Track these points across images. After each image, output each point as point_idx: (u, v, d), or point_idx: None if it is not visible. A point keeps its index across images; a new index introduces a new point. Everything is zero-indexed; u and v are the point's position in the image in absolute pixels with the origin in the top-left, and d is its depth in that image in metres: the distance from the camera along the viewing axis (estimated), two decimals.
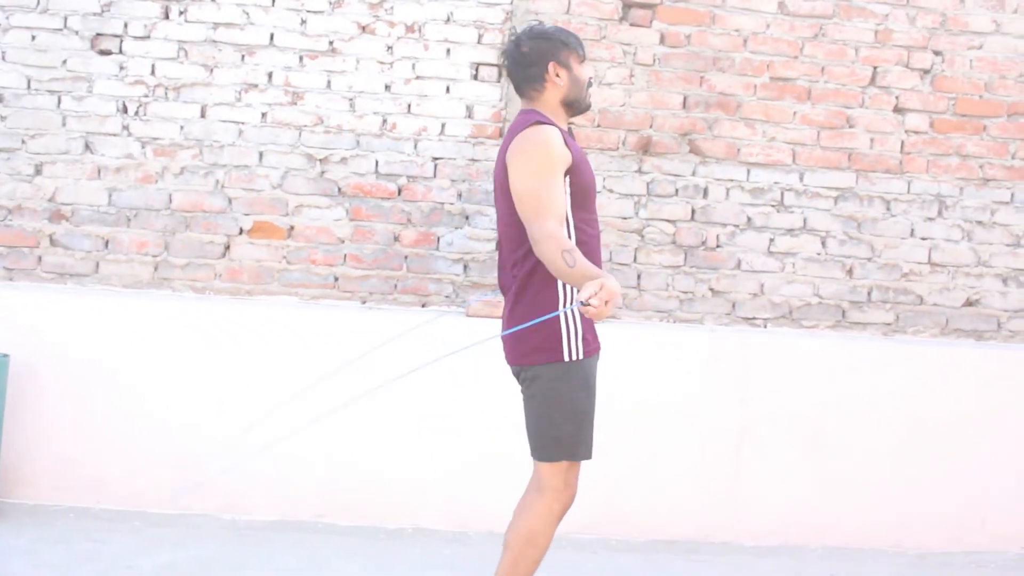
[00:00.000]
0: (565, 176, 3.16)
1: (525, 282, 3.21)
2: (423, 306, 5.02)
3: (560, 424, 3.15)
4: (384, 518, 4.78)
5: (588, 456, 3.22)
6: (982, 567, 4.82)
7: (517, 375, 3.28)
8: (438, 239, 5.02)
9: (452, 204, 5.01)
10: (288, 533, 4.60)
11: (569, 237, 3.15)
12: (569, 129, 3.37)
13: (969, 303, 5.28)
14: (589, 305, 2.82)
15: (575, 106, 3.34)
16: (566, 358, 3.14)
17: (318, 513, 4.77)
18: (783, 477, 4.90)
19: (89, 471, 4.70)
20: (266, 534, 4.57)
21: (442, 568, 4.28)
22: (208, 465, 4.72)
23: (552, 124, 3.21)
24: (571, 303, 3.15)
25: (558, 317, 3.14)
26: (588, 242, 3.23)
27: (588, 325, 3.21)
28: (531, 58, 3.28)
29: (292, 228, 4.98)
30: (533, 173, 3.08)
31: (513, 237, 3.23)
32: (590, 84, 3.37)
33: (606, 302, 2.83)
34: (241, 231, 4.97)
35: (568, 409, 3.16)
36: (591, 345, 3.21)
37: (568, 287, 3.16)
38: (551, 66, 3.27)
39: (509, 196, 3.18)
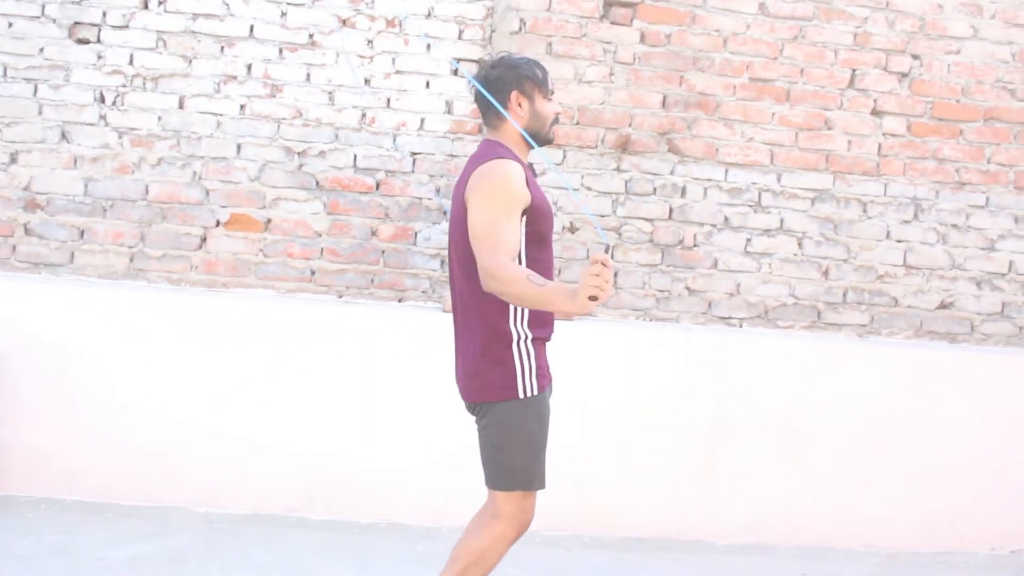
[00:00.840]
0: (523, 216, 3.11)
1: (481, 325, 3.15)
2: (400, 301, 5.01)
3: (514, 454, 3.13)
4: (358, 513, 4.77)
5: (542, 486, 3.21)
6: (952, 567, 4.86)
7: (470, 409, 3.25)
8: (415, 234, 5.01)
9: (430, 199, 5.01)
10: (261, 527, 4.58)
11: None
12: (531, 165, 3.33)
13: (943, 306, 5.32)
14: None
15: (536, 139, 3.27)
16: (521, 395, 3.12)
17: (291, 507, 4.75)
18: (757, 476, 4.92)
19: (61, 462, 4.67)
20: (239, 527, 4.55)
21: (415, 563, 4.27)
22: (182, 457, 4.71)
23: (515, 159, 3.16)
24: (522, 324, 3.12)
25: (512, 352, 3.10)
26: (544, 278, 3.16)
27: (542, 358, 3.19)
28: (496, 85, 3.24)
29: (269, 221, 4.96)
30: (490, 209, 3.02)
31: (466, 264, 3.16)
32: (555, 120, 3.32)
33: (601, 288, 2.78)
34: (218, 223, 4.94)
35: (522, 441, 3.14)
36: (543, 379, 3.18)
37: (519, 312, 3.13)
38: (514, 95, 3.23)
39: (465, 224, 3.11)
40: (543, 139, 3.31)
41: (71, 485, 4.68)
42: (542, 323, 3.19)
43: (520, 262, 3.12)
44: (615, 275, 5.01)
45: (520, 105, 3.24)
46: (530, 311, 3.13)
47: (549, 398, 3.25)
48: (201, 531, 4.46)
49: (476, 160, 3.17)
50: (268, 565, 4.13)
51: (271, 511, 4.74)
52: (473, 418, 3.26)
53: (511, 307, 3.11)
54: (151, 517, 4.56)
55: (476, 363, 3.15)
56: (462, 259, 3.17)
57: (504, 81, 3.25)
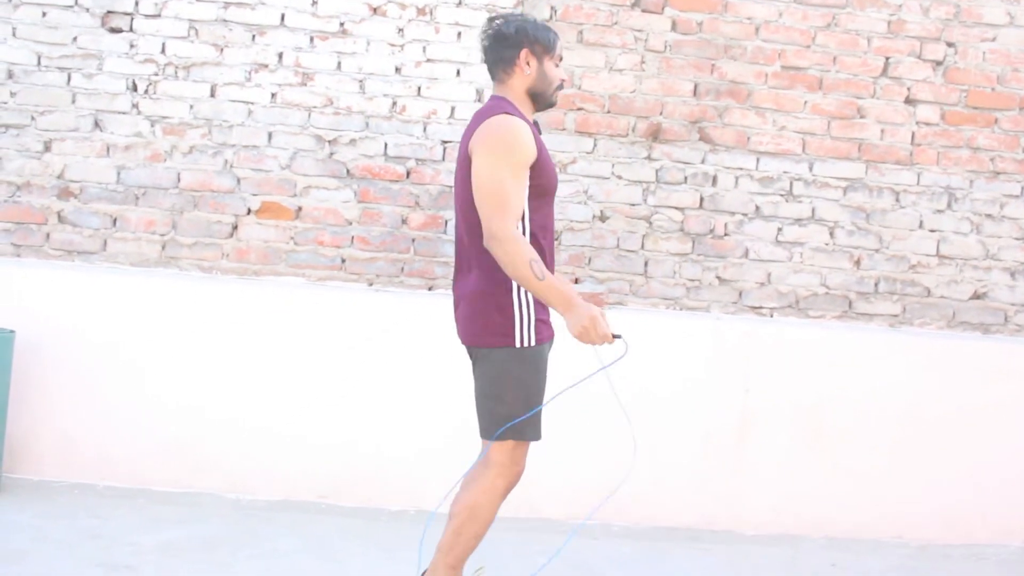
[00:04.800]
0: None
1: (484, 269, 3.21)
2: (429, 289, 5.02)
3: (508, 404, 3.18)
4: (386, 500, 4.80)
5: (536, 437, 3.26)
6: (982, 560, 4.83)
7: (469, 352, 3.31)
8: (446, 222, 5.01)
9: None
10: (290, 513, 4.62)
11: (524, 233, 3.18)
12: (536, 123, 3.36)
13: (976, 296, 5.27)
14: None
15: (539, 100, 3.34)
16: (517, 344, 3.17)
17: (321, 494, 4.79)
18: (785, 467, 4.91)
19: (93, 448, 4.73)
20: (269, 514, 4.58)
21: None
22: (213, 444, 4.74)
23: (520, 116, 3.21)
24: (524, 288, 3.16)
25: (511, 300, 3.17)
26: (546, 231, 3.27)
27: (542, 311, 3.23)
28: (507, 41, 3.29)
29: (300, 209, 4.98)
30: (497, 166, 3.08)
31: (468, 212, 3.23)
32: (560, 86, 3.36)
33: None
34: (249, 211, 4.97)
35: (516, 390, 3.19)
36: (544, 333, 3.23)
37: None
38: (523, 53, 3.27)
39: (469, 175, 3.18)
40: (547, 102, 3.36)
41: (103, 471, 4.73)
42: None
43: (524, 220, 3.18)
44: (645, 264, 5.01)
45: (528, 64, 3.28)
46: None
47: (548, 351, 3.29)
48: (231, 517, 4.50)
49: (482, 114, 3.22)
50: (297, 551, 4.16)
51: (301, 498, 4.78)
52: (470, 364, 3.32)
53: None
54: (182, 503, 4.60)
55: (475, 307, 3.22)
56: (465, 208, 3.24)
57: (515, 38, 3.28)
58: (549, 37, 3.31)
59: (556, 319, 3.24)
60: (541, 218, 3.25)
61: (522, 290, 3.17)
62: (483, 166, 3.09)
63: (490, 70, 3.36)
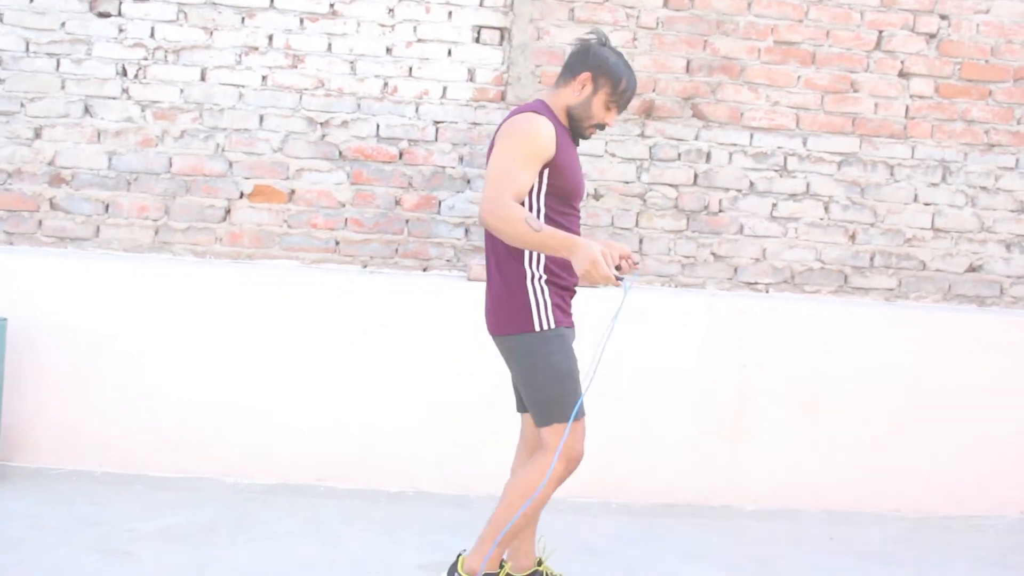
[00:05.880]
0: (544, 170, 3.21)
1: (501, 262, 3.30)
2: (424, 270, 5.01)
3: (543, 387, 3.24)
4: (385, 481, 4.79)
5: (581, 415, 3.27)
6: (981, 531, 4.84)
7: (496, 344, 3.37)
8: (439, 203, 5.00)
9: (453, 168, 4.99)
10: (289, 496, 4.61)
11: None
12: (574, 136, 3.38)
13: (972, 269, 5.26)
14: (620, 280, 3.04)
15: (573, 123, 3.36)
16: (537, 328, 3.23)
17: (319, 476, 4.78)
18: (783, 441, 4.91)
19: (90, 435, 4.72)
20: (267, 497, 4.58)
21: (443, 531, 4.29)
22: (210, 428, 4.74)
23: (552, 119, 3.24)
24: (537, 266, 3.23)
25: (526, 289, 3.23)
26: (564, 228, 3.27)
27: (558, 298, 3.28)
28: (583, 56, 3.33)
29: (293, 192, 4.96)
30: (508, 155, 3.13)
31: None
32: (600, 126, 3.38)
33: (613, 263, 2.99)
34: (242, 195, 4.95)
35: (548, 373, 3.24)
36: (562, 320, 3.29)
37: (535, 266, 3.24)
38: (586, 75, 3.30)
39: None
40: (578, 130, 3.39)
41: (101, 457, 4.72)
42: (561, 269, 3.27)
43: (539, 210, 3.25)
44: (639, 241, 5.00)
45: (584, 86, 3.32)
46: (547, 259, 3.24)
47: (571, 338, 3.34)
48: (230, 501, 4.50)
49: (516, 111, 3.29)
50: (296, 534, 4.16)
51: (299, 481, 4.77)
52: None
53: (526, 251, 3.22)
54: (180, 488, 4.60)
55: (495, 298, 3.31)
56: None
57: (591, 60, 3.31)
58: (620, 80, 3.31)
59: (576, 312, 3.35)
60: (559, 216, 3.29)
61: (535, 279, 3.24)
62: (496, 156, 3.16)
63: (560, 72, 3.41)
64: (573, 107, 3.33)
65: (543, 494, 3.26)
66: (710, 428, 4.90)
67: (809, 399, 4.93)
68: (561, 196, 3.28)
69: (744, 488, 4.92)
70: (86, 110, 4.88)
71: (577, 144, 3.43)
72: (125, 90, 4.89)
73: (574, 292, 3.38)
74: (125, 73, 4.89)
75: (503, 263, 3.27)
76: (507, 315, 3.26)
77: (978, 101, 5.20)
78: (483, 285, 4.59)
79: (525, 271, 3.24)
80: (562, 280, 3.29)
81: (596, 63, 3.30)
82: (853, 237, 5.19)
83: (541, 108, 3.27)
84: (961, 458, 5.00)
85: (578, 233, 3.38)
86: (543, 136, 3.17)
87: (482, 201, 3.09)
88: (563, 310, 3.31)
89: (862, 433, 4.94)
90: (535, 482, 3.24)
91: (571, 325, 3.36)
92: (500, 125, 3.29)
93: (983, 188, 5.24)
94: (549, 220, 3.24)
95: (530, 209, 3.23)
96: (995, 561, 4.42)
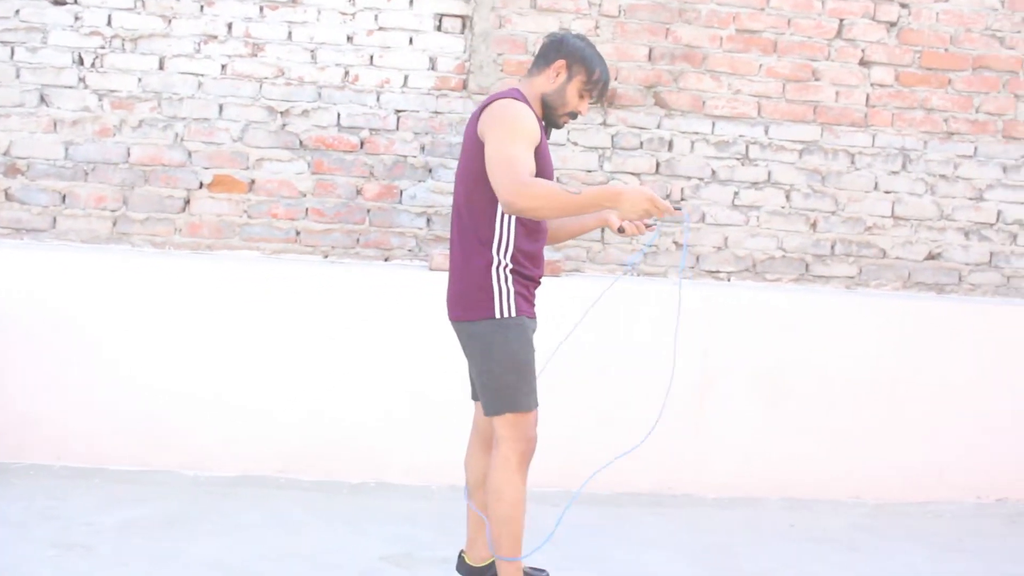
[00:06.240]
0: None
1: (468, 249, 3.30)
2: (386, 260, 4.99)
3: (499, 376, 3.24)
4: (348, 473, 4.78)
5: (531, 407, 3.28)
6: (939, 517, 4.90)
7: (456, 332, 3.37)
8: (401, 192, 4.98)
9: (415, 157, 4.97)
10: (251, 488, 4.59)
11: (511, 226, 3.24)
12: (545, 126, 3.38)
13: (931, 256, 5.30)
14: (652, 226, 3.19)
15: (547, 111, 3.36)
16: (497, 315, 3.23)
17: (281, 469, 4.76)
18: (745, 430, 4.94)
19: (50, 428, 4.67)
20: (229, 490, 4.56)
21: (405, 522, 4.29)
22: (171, 421, 4.70)
23: (530, 108, 3.25)
24: (504, 254, 3.24)
25: (490, 276, 3.23)
26: (528, 235, 3.31)
27: (522, 287, 3.29)
28: (557, 46, 3.34)
29: (253, 182, 4.92)
30: (506, 140, 3.11)
31: (462, 209, 3.32)
32: (573, 114, 3.38)
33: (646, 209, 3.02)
34: (201, 185, 4.90)
35: (505, 362, 3.24)
36: (524, 309, 3.29)
37: (502, 255, 3.24)
38: (560, 62, 3.31)
39: (470, 162, 3.25)
40: (552, 119, 3.40)
41: (60, 451, 4.68)
42: (528, 260, 3.30)
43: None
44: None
45: (557, 74, 3.33)
46: (515, 248, 3.25)
47: (532, 329, 3.35)
48: (191, 494, 4.47)
49: (493, 97, 3.27)
50: (258, 526, 4.15)
51: (261, 473, 4.75)
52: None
53: (495, 238, 3.24)
54: (141, 481, 4.57)
55: (460, 284, 3.30)
56: (467, 187, 3.28)
57: (565, 48, 3.33)
58: (594, 68, 3.32)
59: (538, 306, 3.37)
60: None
61: (500, 267, 3.23)
62: (491, 144, 3.13)
63: (533, 60, 3.41)
64: (548, 95, 3.33)
65: (511, 490, 3.25)
66: (672, 417, 4.88)
67: (770, 387, 4.96)
68: None
69: (705, 477, 4.95)
70: (42, 99, 4.82)
71: (549, 135, 3.43)
72: (82, 79, 4.83)
73: (539, 283, 3.39)
74: (82, 62, 4.82)
75: (470, 250, 3.27)
76: (469, 301, 3.26)
77: (938, 89, 5.23)
78: (446, 275, 4.62)
79: (492, 259, 3.24)
80: (527, 270, 3.30)
81: (570, 51, 3.31)
82: (814, 225, 5.21)
83: (518, 95, 3.27)
84: (920, 445, 5.05)
85: (546, 228, 3.42)
86: (530, 119, 3.18)
87: (500, 190, 3.04)
88: (526, 299, 3.31)
89: (823, 421, 4.98)
90: (503, 482, 3.25)
91: (533, 316, 3.37)
92: (478, 112, 3.27)
93: (942, 176, 5.27)
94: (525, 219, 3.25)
95: None
96: (952, 547, 4.47)
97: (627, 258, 3.10)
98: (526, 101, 3.27)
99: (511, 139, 3.10)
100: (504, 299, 3.23)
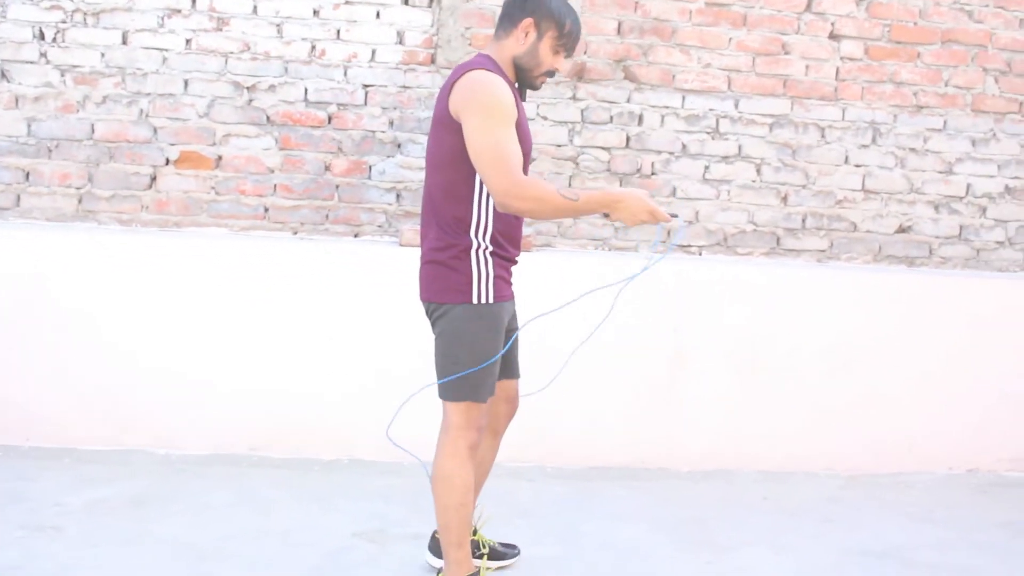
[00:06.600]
0: None
1: (445, 231, 3.17)
2: (355, 236, 4.95)
3: (464, 364, 3.14)
4: (319, 450, 4.75)
5: (490, 396, 3.22)
6: (909, 487, 4.92)
7: (428, 312, 3.25)
8: (370, 168, 4.93)
9: (384, 132, 4.92)
10: (222, 467, 4.56)
11: (489, 203, 3.13)
12: (517, 86, 3.24)
13: (902, 230, 5.32)
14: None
15: (521, 74, 3.22)
16: (474, 300, 3.13)
17: (252, 446, 4.73)
18: (717, 404, 4.94)
19: (17, 409, 4.61)
20: (200, 468, 4.52)
21: (377, 499, 4.27)
22: (141, 400, 4.66)
23: (502, 75, 3.11)
24: (484, 236, 3.15)
25: (470, 259, 3.13)
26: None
27: (502, 269, 3.20)
28: (520, 3, 3.16)
29: (220, 158, 4.86)
30: (489, 124, 2.97)
31: (435, 188, 3.18)
32: (550, 74, 3.24)
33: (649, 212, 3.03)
34: (167, 161, 4.84)
35: (472, 349, 3.14)
36: (503, 291, 3.19)
37: (481, 236, 3.14)
38: (527, 21, 3.14)
39: (443, 139, 3.10)
40: (528, 81, 3.25)
41: (28, 431, 4.63)
42: (507, 241, 3.21)
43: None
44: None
45: (526, 34, 3.16)
46: (494, 229, 3.15)
47: (508, 312, 3.25)
48: (161, 473, 4.43)
49: (460, 69, 3.10)
50: (229, 505, 4.11)
51: (232, 451, 4.72)
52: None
53: (474, 220, 3.13)
54: (111, 461, 4.52)
55: (434, 264, 3.17)
56: (439, 165, 3.15)
57: (527, 4, 3.16)
58: (564, 21, 3.16)
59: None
60: None
61: (481, 250, 3.13)
62: (474, 130, 2.98)
63: (498, 22, 3.23)
64: (519, 57, 3.17)
65: (460, 478, 3.19)
66: (644, 392, 4.91)
67: (742, 361, 4.96)
68: None
69: (678, 450, 4.95)
70: (3, 75, 4.73)
71: (524, 97, 3.31)
72: (43, 54, 4.75)
73: (516, 262, 3.30)
74: (43, 36, 4.74)
75: (447, 230, 3.14)
76: (445, 284, 3.14)
77: (907, 63, 5.23)
78: (416, 251, 4.58)
79: (471, 242, 3.13)
80: (506, 252, 3.21)
81: (535, 6, 3.14)
82: (785, 199, 5.21)
83: (489, 64, 3.10)
84: (891, 417, 5.07)
85: None
86: (506, 94, 3.01)
87: (493, 189, 2.94)
88: (505, 280, 3.21)
89: (795, 394, 4.99)
90: (451, 468, 3.18)
91: (511, 296, 3.28)
92: (448, 86, 3.10)
93: (912, 150, 5.28)
94: None
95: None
96: (923, 517, 4.50)
97: (650, 257, 3.06)
98: (498, 69, 3.12)
99: (494, 123, 2.96)
100: (483, 283, 3.13)
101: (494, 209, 3.14)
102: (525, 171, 3.20)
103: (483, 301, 3.14)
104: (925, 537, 4.25)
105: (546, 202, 2.93)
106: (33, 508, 3.93)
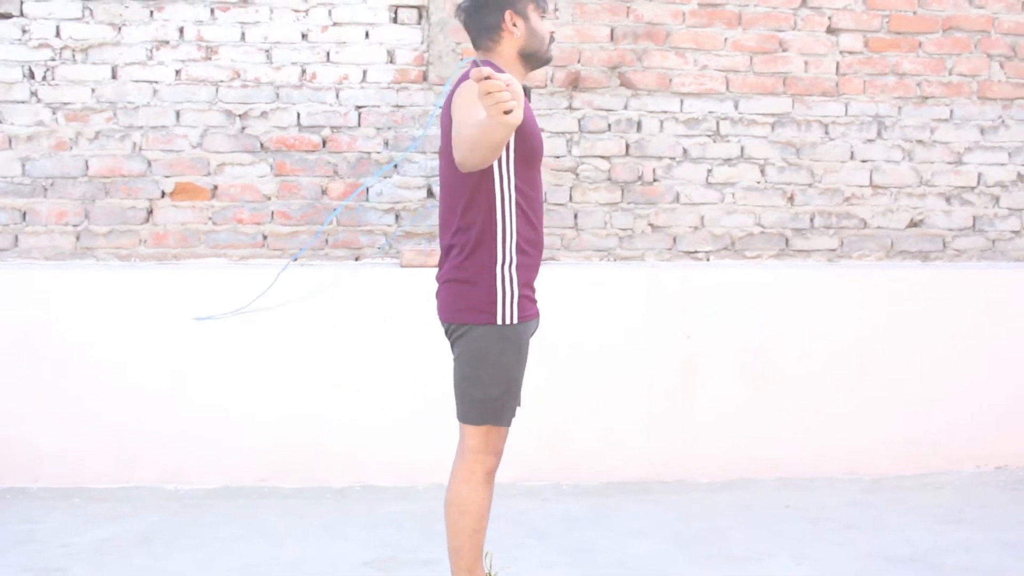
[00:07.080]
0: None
1: (466, 247, 3.04)
2: (356, 259, 4.89)
3: (485, 385, 3.03)
4: (330, 478, 4.68)
5: (509, 423, 3.10)
6: (938, 488, 4.80)
7: (447, 332, 3.13)
8: (367, 190, 4.88)
9: (379, 153, 4.87)
10: (232, 500, 4.50)
11: (511, 196, 3.00)
12: (526, 88, 3.09)
13: (913, 224, 5.21)
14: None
15: (533, 59, 3.14)
16: (499, 321, 3.01)
17: (262, 477, 4.66)
18: (733, 411, 4.84)
19: (24, 449, 4.57)
20: (209, 502, 4.46)
21: (390, 525, 4.19)
22: (148, 435, 4.61)
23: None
24: (510, 247, 3.00)
25: (495, 276, 2.99)
26: (532, 200, 3.08)
27: (527, 287, 3.07)
28: (487, 7, 3.08)
29: (216, 188, 4.82)
30: (464, 115, 2.84)
31: (453, 204, 3.06)
32: (552, 39, 3.16)
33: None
34: (163, 194, 4.81)
35: (495, 372, 3.03)
36: (528, 310, 3.06)
37: (507, 247, 3.00)
38: (507, 15, 3.07)
39: (450, 141, 2.98)
40: (541, 59, 3.17)
41: (36, 472, 4.59)
42: (531, 247, 3.06)
43: (509, 181, 2.99)
44: (574, 216, 4.91)
45: (515, 25, 3.08)
46: (519, 237, 3.01)
47: (532, 332, 3.13)
48: (170, 509, 4.38)
49: (461, 79, 3.02)
50: (238, 538, 4.04)
51: (242, 483, 4.65)
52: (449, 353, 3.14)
53: (499, 230, 2.99)
54: (119, 499, 4.47)
55: (456, 284, 3.04)
56: (449, 184, 3.06)
57: (494, 1, 3.07)
58: None
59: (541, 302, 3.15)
60: (527, 186, 3.05)
61: (506, 265, 3.00)
62: (456, 123, 2.87)
63: (474, 43, 3.14)
64: (524, 47, 3.09)
65: (476, 504, 3.07)
66: (657, 403, 4.82)
67: (756, 366, 4.86)
68: (527, 159, 3.03)
69: (695, 460, 4.85)
70: None
71: (529, 99, 3.15)
72: (34, 93, 4.73)
73: (537, 270, 3.14)
74: (32, 75, 4.73)
75: (471, 245, 3.00)
76: (469, 303, 3.01)
77: (908, 53, 5.14)
78: (419, 271, 4.52)
79: (496, 256, 2.99)
80: (531, 258, 3.07)
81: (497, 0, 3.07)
82: (791, 199, 5.12)
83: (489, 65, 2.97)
84: (914, 416, 4.95)
85: (540, 194, 3.15)
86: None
87: (455, 161, 2.84)
88: (530, 299, 3.08)
89: (812, 397, 4.88)
90: (467, 495, 3.07)
91: (536, 315, 3.13)
92: (451, 95, 3.01)
93: (919, 141, 5.18)
94: (519, 191, 3.02)
95: (499, 178, 2.98)
96: (953, 518, 4.37)
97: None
98: (500, 70, 2.97)
99: (468, 115, 2.82)
100: (508, 303, 3.00)
101: (518, 216, 3.02)
102: (538, 170, 3.13)
103: (507, 322, 3.01)
104: (954, 539, 4.12)
105: (474, 141, 2.68)
106: (39, 550, 3.89)
